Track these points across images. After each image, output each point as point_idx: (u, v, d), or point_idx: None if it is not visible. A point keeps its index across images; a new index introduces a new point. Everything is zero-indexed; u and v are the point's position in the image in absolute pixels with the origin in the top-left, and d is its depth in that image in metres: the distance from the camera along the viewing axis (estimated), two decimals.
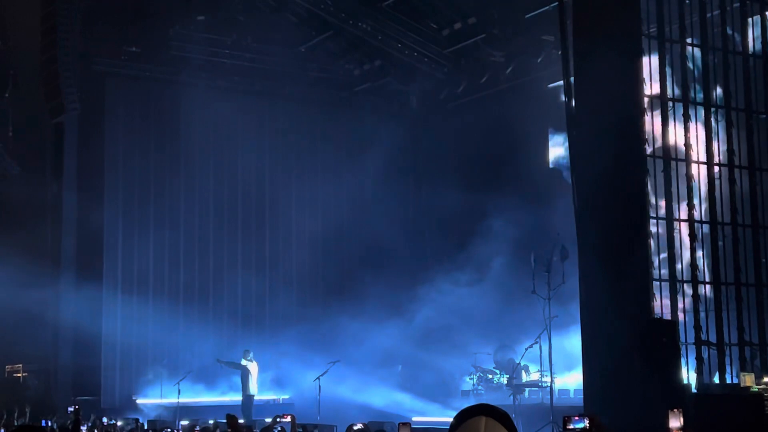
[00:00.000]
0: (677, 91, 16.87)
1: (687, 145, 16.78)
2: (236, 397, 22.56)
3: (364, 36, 25.93)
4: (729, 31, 17.65)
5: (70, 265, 24.05)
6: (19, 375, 24.32)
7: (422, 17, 25.49)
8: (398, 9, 24.94)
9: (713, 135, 17.20)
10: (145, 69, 25.40)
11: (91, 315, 23.88)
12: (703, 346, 16.27)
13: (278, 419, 13.69)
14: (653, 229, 16.08)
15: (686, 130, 16.76)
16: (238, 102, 26.54)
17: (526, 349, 19.81)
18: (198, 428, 17.74)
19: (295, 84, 27.25)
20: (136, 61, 25.22)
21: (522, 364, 21.07)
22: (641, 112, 16.00)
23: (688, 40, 17.05)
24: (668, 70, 16.63)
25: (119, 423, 18.18)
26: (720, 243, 16.99)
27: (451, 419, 3.27)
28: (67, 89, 22.89)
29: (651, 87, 16.41)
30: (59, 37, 22.85)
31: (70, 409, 15.10)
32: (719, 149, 17.31)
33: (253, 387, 22.03)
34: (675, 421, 10.87)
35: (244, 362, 22.03)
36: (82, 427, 16.21)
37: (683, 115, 16.76)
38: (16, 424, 19.38)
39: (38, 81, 23.82)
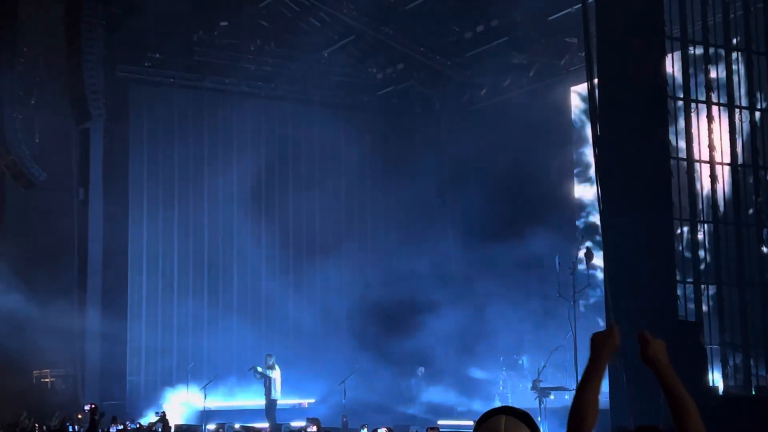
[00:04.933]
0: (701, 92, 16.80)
1: (711, 146, 16.72)
2: (261, 401, 22.62)
3: (386, 40, 25.97)
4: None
5: (96, 270, 24.20)
6: (46, 380, 24.48)
7: (445, 20, 25.49)
8: (420, 12, 24.95)
9: (737, 136, 17.13)
10: (168, 75, 25.55)
11: (118, 319, 24.04)
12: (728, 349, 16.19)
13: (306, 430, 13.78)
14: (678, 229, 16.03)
15: (710, 131, 16.70)
16: (261, 107, 26.65)
17: (551, 352, 19.77)
18: None
19: (318, 88, 27.33)
20: (159, 68, 25.38)
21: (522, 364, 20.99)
22: (665, 114, 15.96)
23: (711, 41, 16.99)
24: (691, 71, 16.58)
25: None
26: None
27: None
28: (92, 96, 23.04)
29: (674, 87, 16.37)
30: (84, 44, 22.99)
31: (86, 407, 15.17)
32: (744, 150, 17.24)
33: (277, 392, 22.08)
34: None
35: (271, 373, 22.00)
36: (111, 429, 16.32)
37: (707, 116, 16.70)
38: (44, 429, 19.53)
39: (63, 88, 24.00)
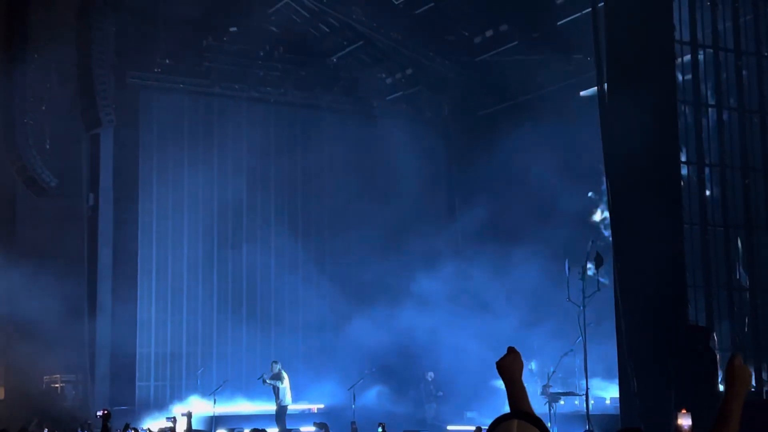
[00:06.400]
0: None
1: (722, 150, 16.69)
2: (271, 407, 22.63)
3: (395, 45, 25.99)
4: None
5: (106, 275, 24.25)
6: (56, 386, 24.53)
7: (453, 25, 25.50)
8: (429, 17, 24.97)
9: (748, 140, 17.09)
10: (178, 81, 25.61)
11: (127, 325, 24.08)
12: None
13: None
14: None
15: (721, 134, 16.67)
16: (270, 113, 26.69)
17: (561, 357, 19.72)
18: None
19: (327, 93, 27.37)
20: (169, 73, 25.44)
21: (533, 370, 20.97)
22: (675, 118, 15.93)
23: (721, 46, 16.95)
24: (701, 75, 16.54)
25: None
26: None
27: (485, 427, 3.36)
28: (102, 102, 23.11)
29: (684, 92, 16.33)
30: (94, 51, 23.07)
31: (99, 413, 15.23)
32: (754, 154, 17.19)
33: (287, 398, 22.08)
34: (686, 420, 11.02)
35: (280, 384, 22.00)
36: None
37: (717, 120, 16.67)
38: None
39: (74, 94, 24.07)
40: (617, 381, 16.55)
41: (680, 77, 16.26)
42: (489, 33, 24.68)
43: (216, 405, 21.99)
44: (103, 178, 24.48)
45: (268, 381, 21.94)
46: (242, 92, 26.38)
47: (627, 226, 16.11)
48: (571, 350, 19.64)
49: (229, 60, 26.07)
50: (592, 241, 18.65)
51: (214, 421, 21.94)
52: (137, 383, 24.44)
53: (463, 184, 28.00)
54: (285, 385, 22.03)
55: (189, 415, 20.67)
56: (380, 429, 16.96)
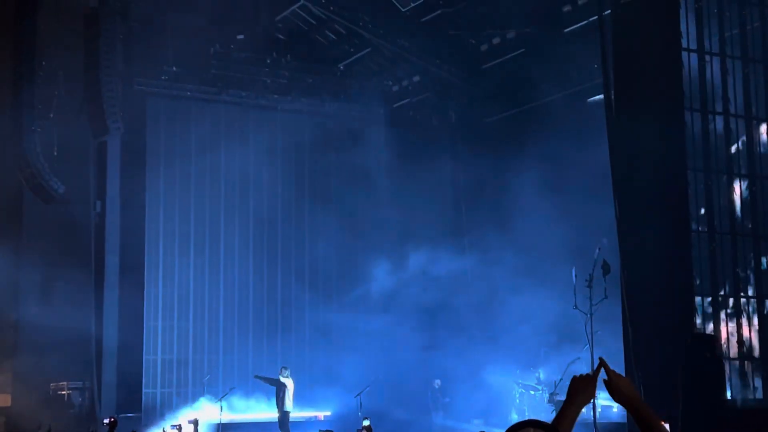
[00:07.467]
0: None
1: (729, 158, 16.67)
2: (275, 414, 22.62)
3: (402, 52, 26.01)
4: None
5: (113, 283, 24.29)
6: (63, 393, 24.55)
7: (461, 32, 25.51)
8: (436, 25, 24.99)
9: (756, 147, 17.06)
10: (185, 88, 25.64)
11: (134, 332, 24.10)
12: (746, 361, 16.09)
13: None
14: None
15: (728, 142, 16.65)
16: (277, 120, 26.72)
17: (569, 365, 19.66)
18: None
19: (335, 101, 27.38)
20: (176, 81, 25.48)
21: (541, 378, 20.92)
22: (682, 125, 15.91)
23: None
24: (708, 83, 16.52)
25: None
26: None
27: None
28: (110, 109, 23.17)
29: (691, 99, 16.32)
30: (102, 58, 23.14)
31: (106, 420, 15.30)
32: (760, 161, 17.16)
33: (289, 403, 22.11)
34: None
35: (281, 378, 22.12)
36: None
37: (724, 127, 16.65)
38: None
39: (82, 101, 24.14)
40: None
41: (687, 84, 16.24)
42: (496, 40, 24.68)
43: (222, 412, 21.99)
44: (110, 185, 24.54)
45: (258, 376, 22.11)
46: (249, 99, 26.42)
47: (634, 234, 16.09)
48: (578, 358, 19.58)
49: (236, 67, 26.10)
50: (599, 249, 18.60)
51: (221, 428, 21.94)
52: (144, 390, 24.44)
53: (469, 191, 27.97)
54: (288, 387, 22.04)
55: (195, 423, 20.74)
56: (366, 422, 17.08)
